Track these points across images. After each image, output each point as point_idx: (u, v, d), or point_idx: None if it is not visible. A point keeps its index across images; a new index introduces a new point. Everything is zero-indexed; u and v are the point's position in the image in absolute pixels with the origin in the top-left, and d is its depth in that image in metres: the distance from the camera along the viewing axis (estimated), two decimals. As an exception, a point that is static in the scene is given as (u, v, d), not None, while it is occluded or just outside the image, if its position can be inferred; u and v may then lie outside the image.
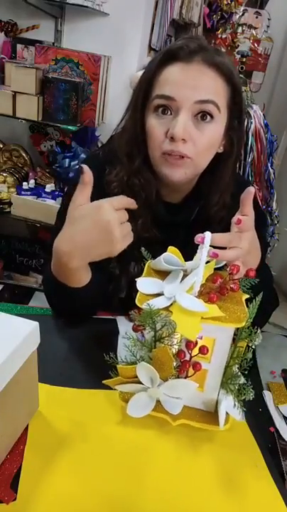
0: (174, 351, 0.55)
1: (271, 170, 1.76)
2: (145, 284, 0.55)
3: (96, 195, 0.64)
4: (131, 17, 1.86)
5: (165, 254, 0.57)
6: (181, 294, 0.51)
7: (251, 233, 0.63)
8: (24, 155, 2.08)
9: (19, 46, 1.97)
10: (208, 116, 0.69)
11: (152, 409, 0.55)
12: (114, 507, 0.45)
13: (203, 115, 0.69)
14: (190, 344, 0.53)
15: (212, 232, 0.62)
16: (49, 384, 0.59)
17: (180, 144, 0.68)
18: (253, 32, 1.93)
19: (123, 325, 0.75)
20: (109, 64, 1.91)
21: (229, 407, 0.54)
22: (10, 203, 1.90)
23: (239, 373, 0.55)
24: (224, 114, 0.71)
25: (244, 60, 1.81)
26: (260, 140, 1.71)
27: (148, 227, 0.78)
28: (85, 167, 0.62)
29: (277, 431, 0.59)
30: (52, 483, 0.47)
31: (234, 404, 0.54)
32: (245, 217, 0.61)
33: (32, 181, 1.98)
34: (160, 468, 0.51)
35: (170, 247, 0.59)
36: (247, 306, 0.54)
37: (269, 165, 1.76)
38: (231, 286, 0.54)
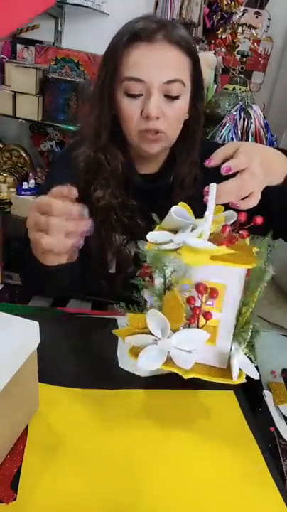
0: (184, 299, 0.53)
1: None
2: (155, 235, 0.56)
3: (65, 174, 0.78)
4: (131, 17, 1.86)
5: (174, 207, 0.56)
6: (190, 238, 0.51)
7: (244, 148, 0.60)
8: (24, 155, 2.08)
9: (19, 46, 1.97)
10: (175, 96, 0.75)
11: (163, 362, 0.53)
12: (114, 507, 0.45)
13: (171, 96, 0.74)
14: (199, 287, 0.51)
15: (190, 194, 0.79)
16: (49, 384, 0.59)
17: (155, 122, 0.75)
18: (253, 32, 1.93)
19: (124, 324, 0.75)
20: (109, 64, 1.91)
21: (244, 364, 0.53)
22: (10, 203, 1.91)
23: (250, 320, 0.54)
24: (188, 86, 0.77)
25: (244, 60, 1.81)
26: (260, 140, 1.71)
27: (116, 194, 0.83)
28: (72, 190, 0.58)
29: (277, 431, 0.59)
30: (52, 483, 0.47)
31: (249, 358, 0.54)
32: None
33: (32, 181, 1.98)
34: (159, 468, 0.51)
35: (180, 202, 0.59)
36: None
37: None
38: (241, 232, 0.54)
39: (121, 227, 0.84)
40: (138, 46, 0.73)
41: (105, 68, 0.77)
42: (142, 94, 0.74)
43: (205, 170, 0.78)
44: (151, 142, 0.77)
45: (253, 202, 0.58)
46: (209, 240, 0.52)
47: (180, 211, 0.57)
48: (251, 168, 0.57)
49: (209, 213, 0.51)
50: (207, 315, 0.52)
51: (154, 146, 0.78)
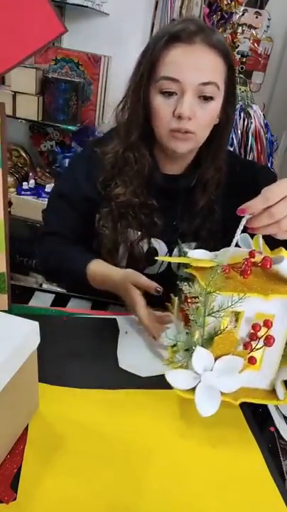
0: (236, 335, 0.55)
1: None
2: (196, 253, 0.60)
3: (88, 170, 0.85)
4: (131, 17, 1.86)
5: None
6: (192, 251, 0.60)
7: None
8: (24, 155, 2.08)
9: (19, 46, 1.96)
10: (209, 97, 0.76)
11: (220, 399, 0.55)
12: (114, 507, 0.45)
13: (205, 97, 0.75)
14: (255, 326, 0.54)
15: (211, 196, 0.84)
16: (49, 384, 0.59)
17: (186, 122, 0.75)
18: (253, 32, 1.93)
19: (124, 324, 0.75)
20: (109, 64, 1.91)
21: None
22: (10, 203, 1.90)
23: None
24: (222, 90, 0.78)
25: (244, 60, 1.81)
26: (260, 140, 1.71)
27: (137, 193, 0.84)
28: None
29: (277, 431, 0.59)
30: (52, 483, 0.47)
31: None
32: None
33: (32, 181, 1.98)
34: (159, 468, 0.51)
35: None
36: None
37: (269, 165, 1.76)
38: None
39: (138, 223, 0.85)
40: (177, 47, 0.73)
41: (142, 67, 0.78)
42: (176, 94, 0.75)
43: (228, 177, 0.85)
44: (180, 141, 0.78)
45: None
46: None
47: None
48: None
49: (233, 243, 0.57)
50: (269, 339, 0.54)
51: (182, 146, 0.79)
